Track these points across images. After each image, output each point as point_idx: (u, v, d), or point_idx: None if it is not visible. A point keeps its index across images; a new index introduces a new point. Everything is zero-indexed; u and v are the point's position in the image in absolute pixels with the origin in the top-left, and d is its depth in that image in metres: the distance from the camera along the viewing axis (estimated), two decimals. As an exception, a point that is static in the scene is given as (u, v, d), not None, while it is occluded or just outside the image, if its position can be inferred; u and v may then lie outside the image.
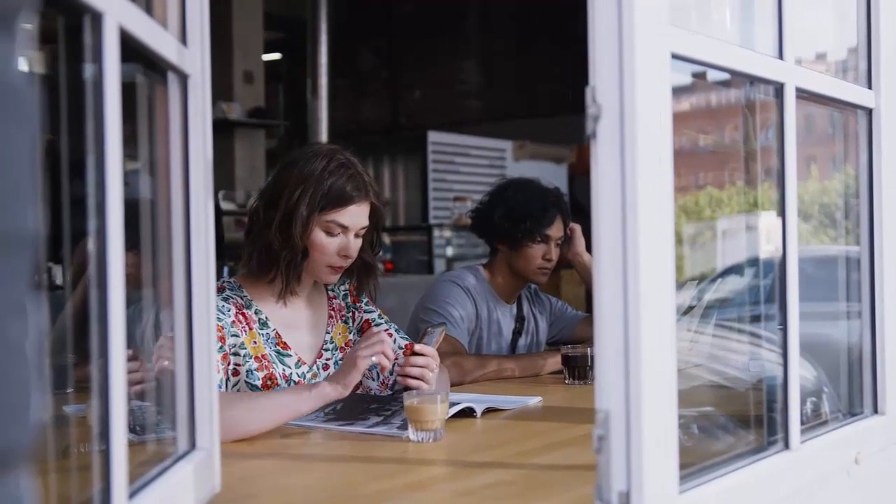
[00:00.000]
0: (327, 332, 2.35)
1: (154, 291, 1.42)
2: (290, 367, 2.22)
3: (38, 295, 0.59)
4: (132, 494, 1.09)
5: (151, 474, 1.21)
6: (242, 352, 2.14)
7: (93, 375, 1.01)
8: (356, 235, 2.23)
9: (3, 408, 0.54)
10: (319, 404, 1.98)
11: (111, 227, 1.01)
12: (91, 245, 1.02)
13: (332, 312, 2.38)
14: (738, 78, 1.58)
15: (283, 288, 2.23)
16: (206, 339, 1.38)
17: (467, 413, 2.11)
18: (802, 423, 1.55)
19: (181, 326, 1.36)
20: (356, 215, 2.21)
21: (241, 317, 2.17)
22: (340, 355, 2.34)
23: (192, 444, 1.36)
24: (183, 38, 1.34)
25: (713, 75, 1.55)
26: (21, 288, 0.55)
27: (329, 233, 2.19)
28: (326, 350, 2.33)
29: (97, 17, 0.99)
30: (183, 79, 1.34)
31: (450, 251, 7.53)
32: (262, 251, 2.20)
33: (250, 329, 2.18)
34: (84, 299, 1.06)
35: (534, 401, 2.35)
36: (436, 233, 7.47)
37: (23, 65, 0.57)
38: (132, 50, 1.11)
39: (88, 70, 1.01)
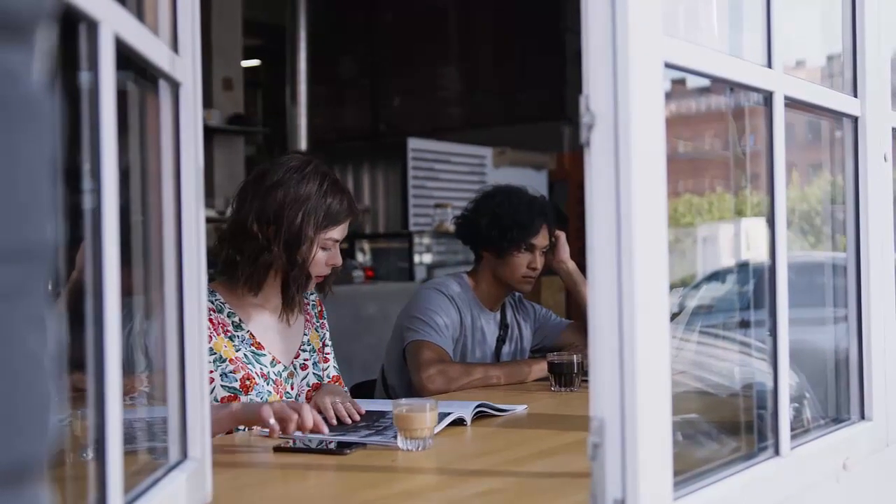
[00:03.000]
0: (304, 334, 2.42)
1: (141, 299, 1.41)
2: (266, 366, 2.28)
3: (53, 306, 0.59)
4: (126, 505, 1.08)
5: (144, 485, 1.20)
6: (212, 356, 2.18)
7: (89, 385, 1.00)
8: (340, 245, 2.35)
9: (24, 419, 0.54)
10: (227, 423, 2.03)
11: (106, 235, 1.00)
12: (86, 253, 1.01)
13: (308, 316, 2.46)
14: (727, 86, 1.59)
15: (288, 307, 2.32)
16: (197, 350, 1.37)
17: (456, 421, 2.11)
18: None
19: (172, 337, 1.35)
20: (346, 229, 2.34)
21: (207, 322, 2.18)
22: (317, 357, 2.43)
23: (184, 455, 1.35)
24: (174, 47, 1.34)
25: (693, 82, 1.55)
26: (39, 299, 0.55)
27: (324, 248, 2.29)
28: (304, 350, 2.41)
29: (93, 26, 0.99)
30: (175, 87, 1.34)
31: (430, 258, 7.52)
32: (262, 269, 2.25)
33: (219, 335, 2.23)
34: (69, 306, 1.05)
35: (521, 409, 2.35)
36: (416, 240, 7.45)
37: (41, 74, 0.57)
38: (124, 57, 1.11)
39: (83, 77, 1.01)
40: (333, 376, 2.46)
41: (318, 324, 2.48)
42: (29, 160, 0.54)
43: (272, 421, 1.90)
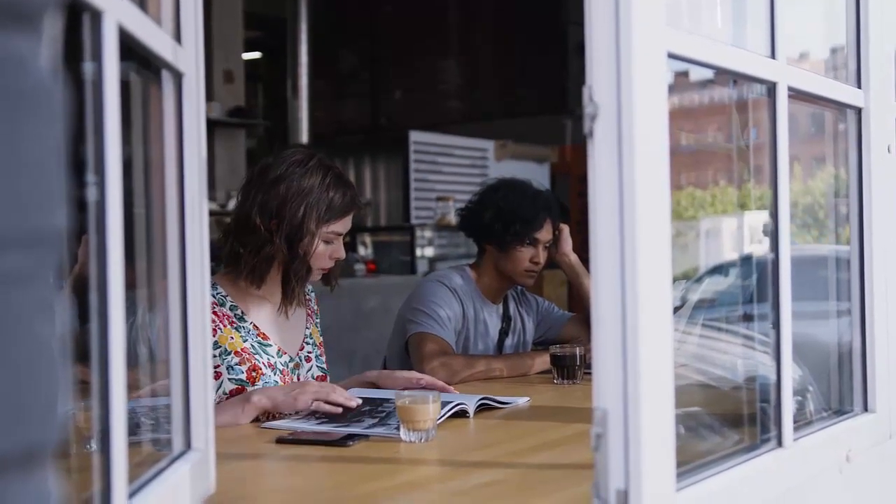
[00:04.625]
0: (307, 328, 2.45)
1: (144, 292, 1.41)
2: (273, 357, 2.30)
3: (63, 293, 0.59)
4: (131, 495, 1.08)
5: (148, 475, 1.20)
6: (217, 350, 2.20)
7: (93, 376, 1.00)
8: (343, 238, 2.36)
9: (33, 405, 0.54)
10: (255, 414, 2.09)
11: (110, 227, 1.00)
12: (90, 245, 1.01)
13: (309, 311, 2.48)
14: (732, 77, 1.59)
15: (288, 299, 2.33)
16: (201, 340, 1.37)
17: (459, 413, 2.11)
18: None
19: (176, 327, 1.35)
20: (349, 222, 2.34)
21: (212, 315, 2.19)
22: (319, 351, 2.46)
23: (188, 445, 1.35)
24: (177, 37, 1.34)
25: (696, 74, 1.55)
26: (48, 285, 0.55)
27: (327, 242, 2.30)
28: (307, 343, 2.43)
29: (97, 16, 0.98)
30: (178, 77, 1.33)
31: (432, 251, 7.52)
32: (264, 261, 2.27)
33: (225, 326, 2.24)
34: (71, 298, 1.06)
35: (523, 401, 2.35)
36: (418, 233, 7.45)
37: (50, 62, 0.57)
38: (128, 48, 1.10)
39: (87, 68, 1.00)
40: (318, 376, 2.46)
41: (316, 320, 2.52)
42: (39, 147, 0.55)
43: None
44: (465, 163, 8.18)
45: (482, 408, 2.20)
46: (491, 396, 2.26)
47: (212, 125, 7.39)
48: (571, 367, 2.64)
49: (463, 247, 7.29)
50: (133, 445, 1.32)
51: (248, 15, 8.07)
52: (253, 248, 2.25)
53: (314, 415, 2.09)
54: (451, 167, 8.10)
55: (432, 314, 2.88)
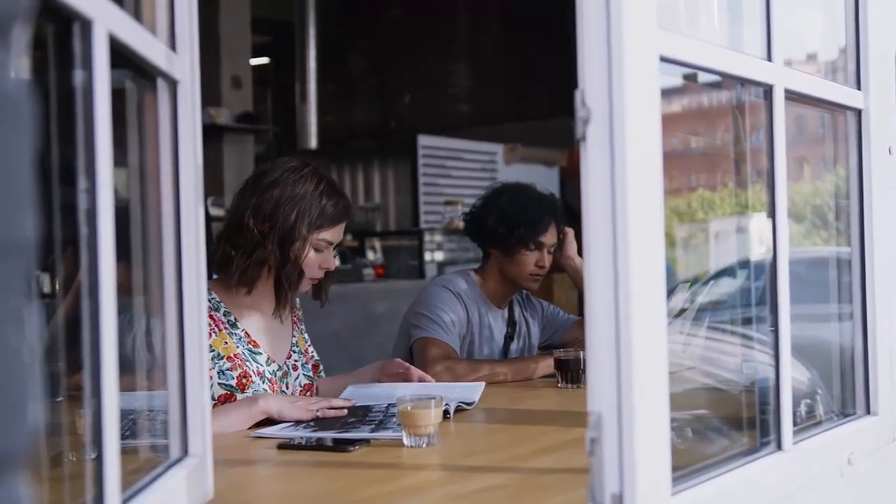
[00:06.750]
0: (293, 336, 2.47)
1: (144, 300, 1.41)
2: (262, 365, 2.32)
3: (34, 301, 0.59)
4: (125, 501, 1.08)
5: (144, 481, 1.21)
6: (210, 354, 2.21)
7: (85, 381, 1.00)
8: (335, 248, 2.38)
9: (2, 414, 0.54)
10: (260, 419, 2.10)
11: (102, 235, 1.00)
12: (82, 253, 1.01)
13: (295, 320, 2.51)
14: (727, 80, 1.58)
15: (279, 302, 2.35)
16: (197, 347, 1.38)
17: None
18: (796, 424, 1.55)
19: (172, 334, 1.36)
20: (341, 232, 2.37)
21: (208, 319, 2.20)
22: (304, 359, 2.48)
23: (185, 451, 1.36)
24: (172, 44, 1.34)
25: (703, 77, 1.55)
26: (19, 294, 0.55)
27: (317, 250, 2.32)
28: (294, 352, 2.45)
29: (87, 24, 0.99)
30: (172, 85, 1.34)
31: (441, 256, 7.51)
32: (256, 265, 2.28)
33: (220, 331, 2.27)
34: (73, 307, 1.06)
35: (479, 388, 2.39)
36: (427, 237, 7.45)
37: (19, 72, 0.57)
38: (121, 56, 1.11)
39: (78, 77, 1.01)
40: (305, 384, 2.46)
41: (302, 327, 2.54)
42: (8, 157, 0.55)
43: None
44: (475, 166, 8.18)
45: (460, 407, 2.25)
46: (463, 400, 2.29)
47: (220, 131, 7.39)
48: (575, 370, 2.63)
49: (472, 251, 7.27)
50: (130, 452, 1.33)
51: (256, 20, 8.07)
52: (245, 251, 2.27)
53: (308, 422, 2.09)
54: (460, 171, 8.10)
55: (437, 319, 2.88)
